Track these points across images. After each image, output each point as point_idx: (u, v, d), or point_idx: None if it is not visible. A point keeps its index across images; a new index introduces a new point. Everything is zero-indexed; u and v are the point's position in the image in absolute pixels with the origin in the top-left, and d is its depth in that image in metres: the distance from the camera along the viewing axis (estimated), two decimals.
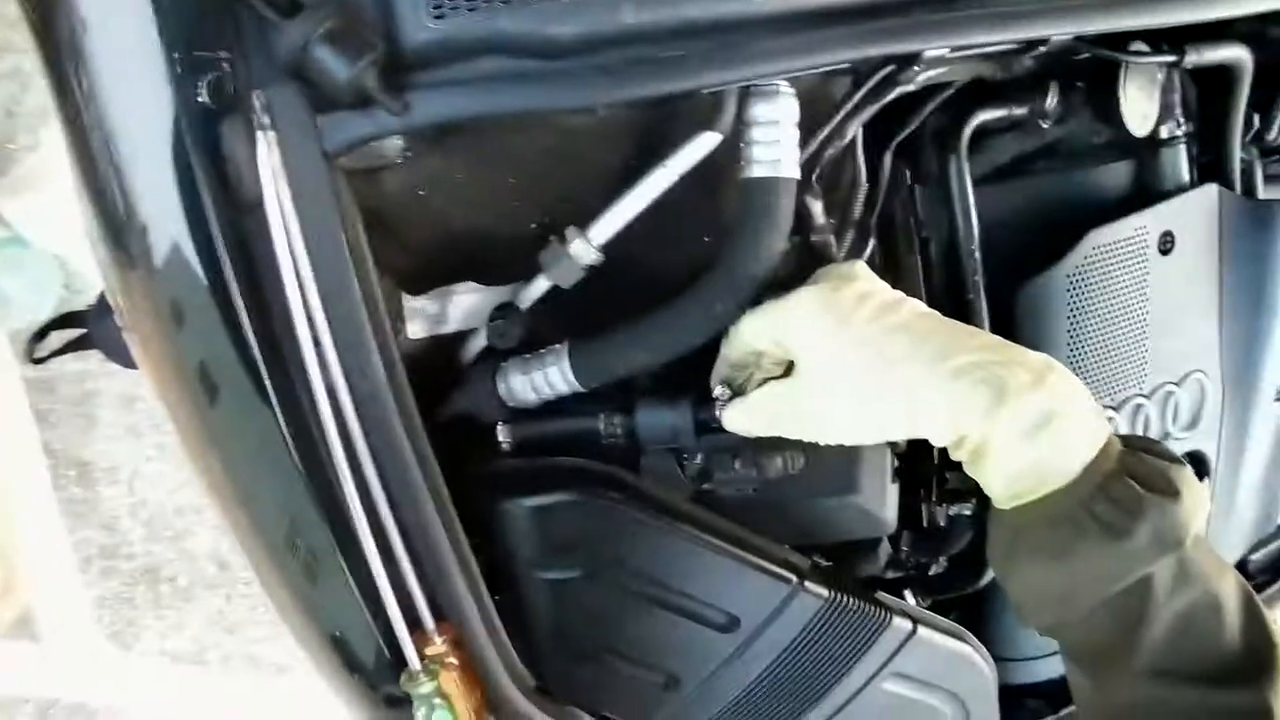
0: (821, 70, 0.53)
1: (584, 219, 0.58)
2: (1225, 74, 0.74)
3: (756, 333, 0.56)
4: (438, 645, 0.55)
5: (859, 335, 0.52)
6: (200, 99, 0.47)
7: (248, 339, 0.50)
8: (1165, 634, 0.49)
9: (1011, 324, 0.74)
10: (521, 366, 0.61)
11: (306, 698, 1.74)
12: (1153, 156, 0.76)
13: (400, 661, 0.55)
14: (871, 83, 0.61)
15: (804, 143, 0.58)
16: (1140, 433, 0.77)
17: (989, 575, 0.78)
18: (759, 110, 0.55)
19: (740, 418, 0.58)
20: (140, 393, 1.69)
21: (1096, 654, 0.52)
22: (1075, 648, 0.54)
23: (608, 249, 0.58)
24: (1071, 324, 0.73)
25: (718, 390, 0.60)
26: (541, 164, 0.59)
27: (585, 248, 0.57)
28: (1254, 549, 0.91)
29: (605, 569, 0.60)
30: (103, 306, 1.03)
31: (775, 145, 0.55)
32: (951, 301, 0.73)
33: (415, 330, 0.60)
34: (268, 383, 0.50)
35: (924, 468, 0.76)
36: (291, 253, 0.48)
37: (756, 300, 0.57)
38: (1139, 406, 0.77)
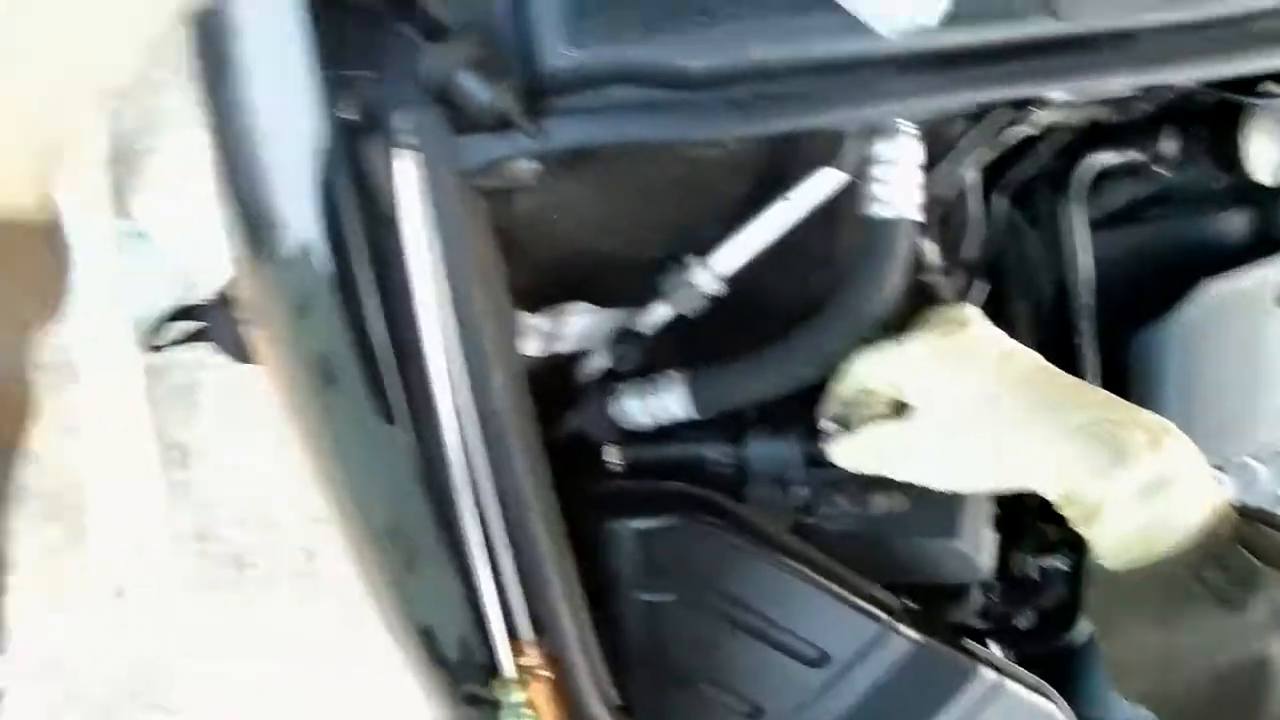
0: (944, 112, 0.54)
1: (703, 248, 0.59)
2: None
3: (871, 372, 0.56)
4: (532, 657, 0.56)
5: (976, 385, 0.52)
6: (345, 115, 0.49)
7: (374, 342, 0.52)
8: None
9: (1121, 373, 0.72)
10: (637, 390, 0.62)
11: (379, 691, 1.78)
12: (1275, 205, 0.74)
13: (492, 666, 0.56)
14: (990, 125, 0.61)
15: (923, 183, 0.57)
16: (1247, 494, 0.74)
17: (1078, 632, 0.76)
18: (883, 150, 0.55)
19: (849, 454, 0.58)
20: (245, 384, 1.77)
21: None
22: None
23: (727, 279, 0.59)
24: (1182, 376, 0.71)
25: (826, 426, 0.60)
26: (667, 192, 0.60)
27: (708, 277, 0.58)
28: None
29: (702, 594, 0.61)
30: (219, 303, 1.08)
31: (897, 186, 0.55)
32: (1060, 348, 0.71)
33: (529, 348, 0.61)
34: (391, 385, 0.52)
35: (1020, 517, 0.74)
36: (425, 267, 0.50)
37: (869, 338, 0.57)
38: (1248, 466, 0.74)
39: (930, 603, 0.69)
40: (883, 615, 0.61)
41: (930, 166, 0.60)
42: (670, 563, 0.61)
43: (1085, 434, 0.50)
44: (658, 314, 0.62)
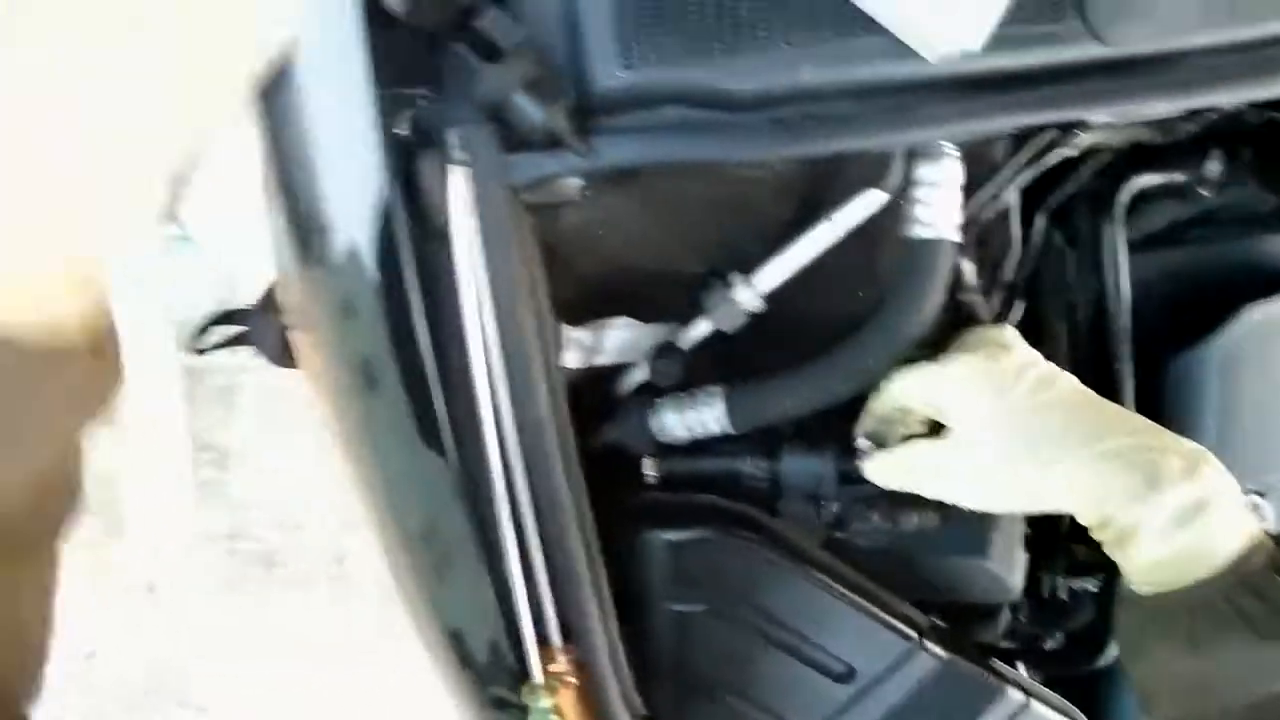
0: (988, 134, 0.54)
1: (746, 266, 0.60)
2: None
3: (908, 391, 0.56)
4: (561, 664, 0.56)
5: (1015, 408, 0.53)
6: (400, 132, 0.51)
7: (419, 347, 0.53)
8: None
9: (1158, 396, 0.72)
10: (675, 404, 0.63)
11: (404, 695, 1.79)
12: None
13: (520, 671, 0.57)
14: (1033, 146, 0.61)
15: (964, 203, 0.58)
16: None
17: (1106, 656, 0.76)
18: (925, 171, 0.55)
19: (883, 470, 0.58)
20: (284, 388, 1.80)
21: None
22: None
23: (768, 297, 0.60)
24: (1222, 401, 0.71)
25: (861, 443, 0.61)
26: (712, 210, 0.61)
27: (750, 295, 0.59)
28: None
29: (732, 607, 0.62)
30: (261, 307, 1.10)
31: (939, 207, 0.55)
32: (1097, 369, 0.71)
33: (570, 360, 0.62)
34: (436, 398, 0.53)
35: (1051, 537, 0.74)
36: (472, 277, 0.51)
37: (906, 357, 0.58)
38: None
39: (960, 622, 0.69)
40: (911, 633, 0.61)
41: (972, 187, 0.61)
42: (701, 574, 0.62)
43: (1121, 458, 0.50)
44: (698, 330, 0.63)
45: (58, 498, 0.41)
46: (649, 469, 0.66)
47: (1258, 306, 0.69)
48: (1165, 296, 0.73)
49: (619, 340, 0.64)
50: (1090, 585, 0.74)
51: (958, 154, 0.56)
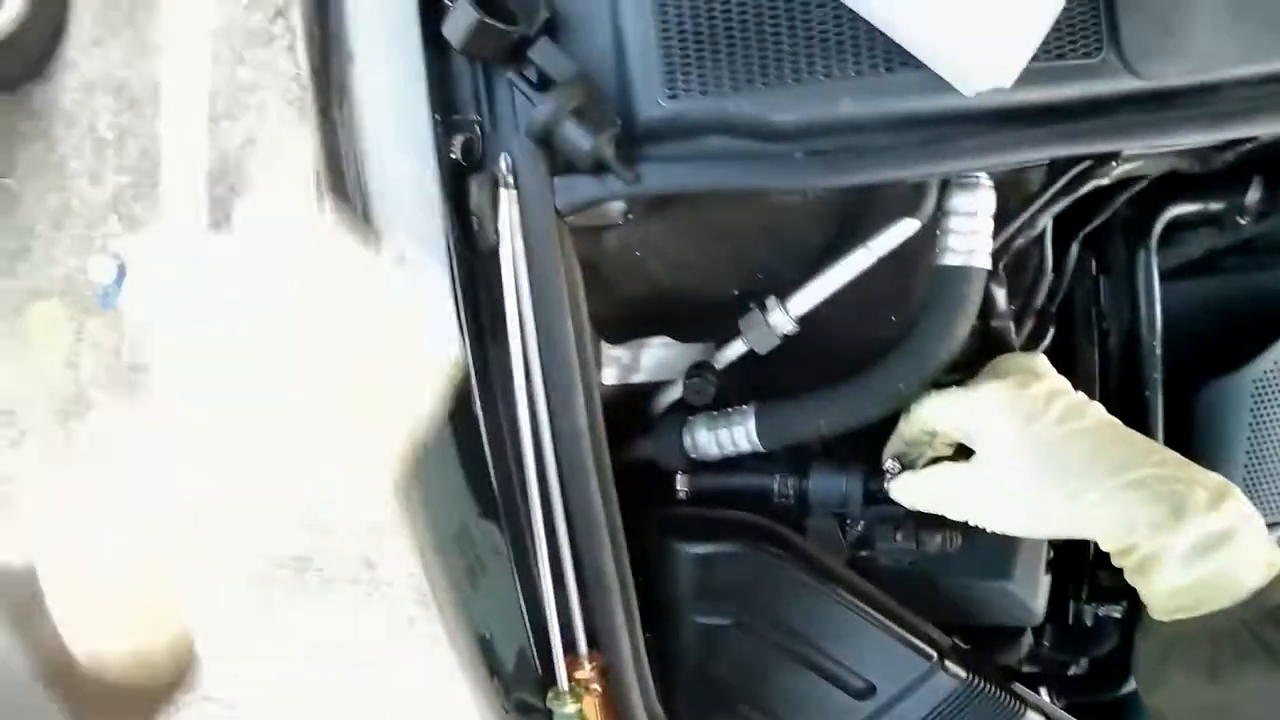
0: (1023, 165, 0.55)
1: (781, 289, 0.61)
2: None
3: (937, 415, 0.57)
4: (586, 671, 0.58)
5: (1044, 436, 0.53)
6: (453, 155, 0.53)
7: (465, 361, 0.54)
8: None
9: (1189, 424, 0.72)
10: (708, 422, 0.65)
11: (429, 699, 1.81)
12: None
13: (548, 677, 0.58)
14: (1067, 176, 0.62)
15: (996, 231, 0.59)
16: None
17: (1129, 684, 0.76)
18: (959, 201, 0.56)
19: (909, 491, 0.59)
20: None
21: None
22: None
23: (801, 320, 0.61)
24: (1254, 431, 0.71)
25: (889, 463, 0.62)
26: (749, 236, 0.62)
27: (784, 318, 0.60)
28: None
29: (757, 621, 0.63)
30: None
31: (971, 235, 0.56)
32: (1128, 397, 0.72)
33: (608, 376, 0.64)
34: (475, 403, 0.55)
35: (1077, 563, 0.74)
36: (516, 294, 0.53)
37: (935, 381, 0.58)
38: None
39: (982, 644, 0.69)
40: (932, 652, 0.61)
41: (1006, 215, 0.62)
42: (727, 588, 0.62)
43: (1146, 489, 0.51)
44: (733, 350, 0.64)
45: None
46: (680, 484, 0.67)
47: None
48: (1199, 325, 0.74)
49: (656, 359, 0.66)
50: (1115, 612, 0.74)
51: (991, 184, 0.57)
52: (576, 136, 0.49)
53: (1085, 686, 0.78)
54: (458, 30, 0.49)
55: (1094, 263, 0.74)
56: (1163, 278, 0.71)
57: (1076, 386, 0.58)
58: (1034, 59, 0.48)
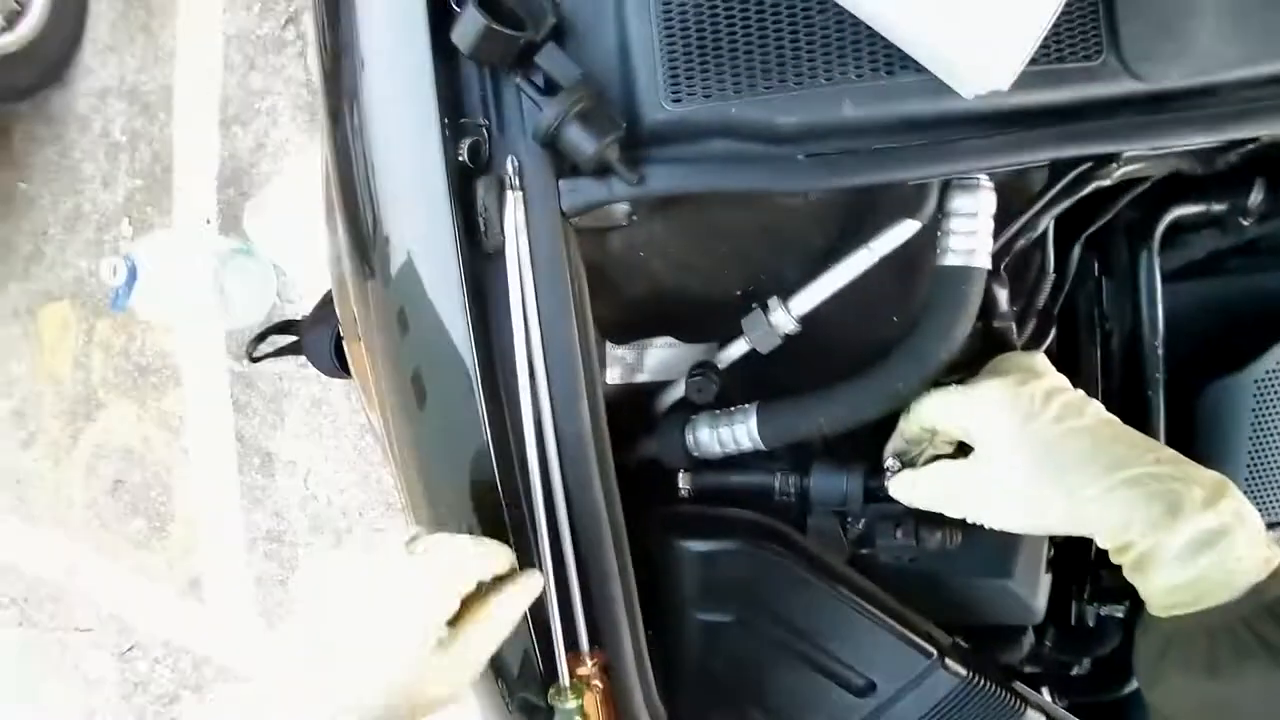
0: (1023, 167, 0.55)
1: (783, 290, 0.62)
2: None
3: (937, 413, 0.58)
4: (588, 667, 0.58)
5: (1042, 433, 0.54)
6: (460, 158, 0.54)
7: (469, 361, 0.55)
8: None
9: (1190, 425, 0.72)
10: (710, 421, 0.65)
11: None
12: None
13: (550, 675, 0.58)
14: (1069, 178, 0.62)
15: (997, 232, 0.60)
16: None
17: (1131, 684, 0.76)
18: (959, 202, 0.57)
19: (908, 489, 0.60)
20: (328, 398, 1.85)
21: None
22: None
23: (803, 320, 0.62)
24: (1255, 430, 0.71)
25: (889, 461, 0.62)
26: (751, 237, 0.63)
27: (786, 318, 0.61)
28: None
29: (758, 618, 0.63)
30: (313, 319, 1.15)
31: (971, 236, 0.57)
32: (1130, 397, 0.72)
33: (612, 376, 0.64)
34: (480, 402, 0.55)
35: (1079, 562, 0.74)
36: (522, 295, 0.54)
37: (935, 380, 0.59)
38: None
39: (983, 643, 0.70)
40: (931, 650, 0.62)
41: (1008, 216, 0.62)
42: (729, 585, 0.63)
43: (1143, 486, 0.51)
44: (735, 350, 0.65)
45: None
46: (683, 482, 0.68)
47: None
48: (1201, 326, 0.74)
49: (659, 359, 0.66)
50: (1117, 612, 0.74)
51: (991, 185, 0.57)
52: (581, 139, 0.50)
53: (1087, 686, 0.78)
54: (466, 36, 0.50)
55: (1096, 264, 0.74)
56: (1165, 279, 0.71)
57: (1078, 387, 0.58)
58: (1034, 62, 0.48)
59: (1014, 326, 0.67)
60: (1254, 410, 0.70)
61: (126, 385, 2.03)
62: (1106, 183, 0.63)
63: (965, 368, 0.61)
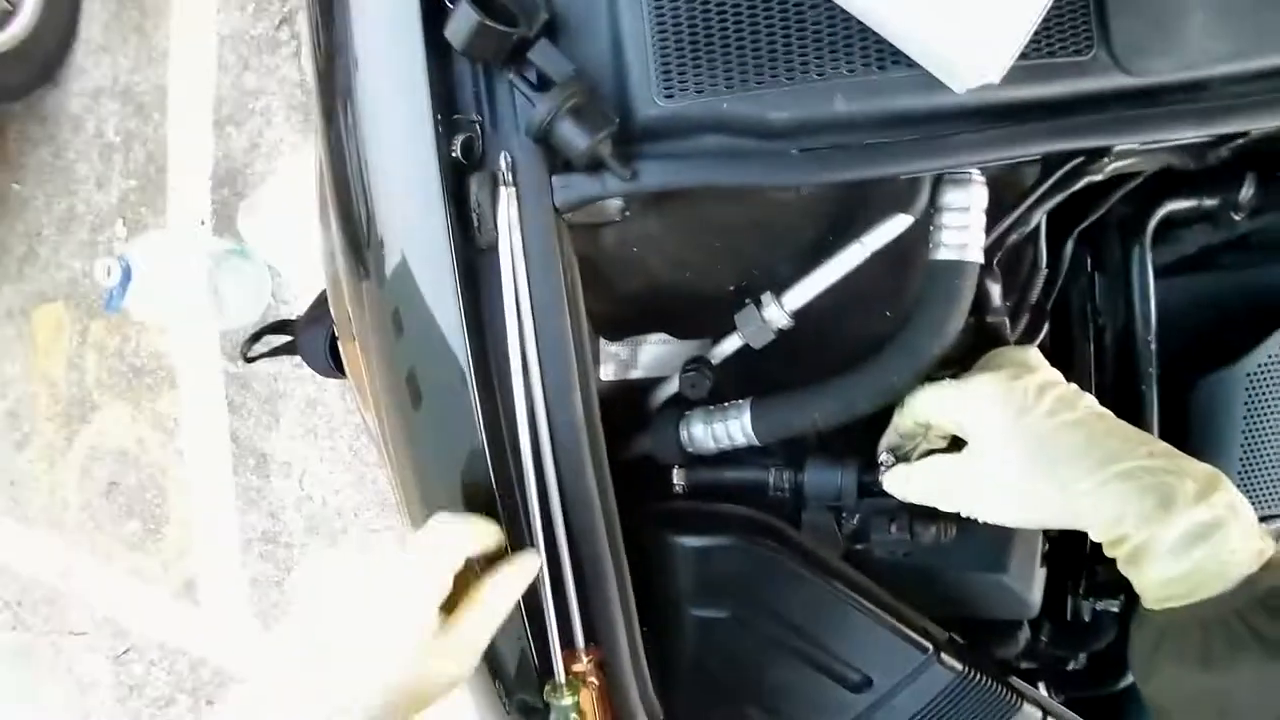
0: (1014, 161, 0.55)
1: (777, 285, 0.62)
2: None
3: (930, 407, 0.58)
4: (584, 664, 0.58)
5: (1035, 427, 0.54)
6: (454, 154, 0.54)
7: (462, 357, 0.55)
8: None
9: (1184, 418, 0.72)
10: (704, 417, 0.65)
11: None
12: None
13: (545, 673, 0.58)
14: (1060, 172, 0.62)
15: (990, 227, 0.60)
16: None
17: (1128, 678, 0.76)
18: (951, 196, 0.57)
19: (902, 483, 0.60)
20: (322, 398, 1.85)
21: None
22: None
23: (796, 315, 0.62)
24: (1248, 423, 0.71)
25: (883, 456, 0.62)
26: (744, 232, 0.63)
27: (779, 313, 0.61)
28: None
29: (753, 614, 0.63)
30: (308, 319, 1.15)
31: (963, 230, 0.57)
32: (1123, 392, 0.72)
33: (606, 373, 0.64)
34: (473, 399, 0.55)
35: (1074, 557, 0.75)
36: (515, 291, 0.54)
37: (929, 375, 0.59)
38: None
39: (979, 639, 0.70)
40: (927, 644, 0.62)
41: (1000, 211, 0.62)
42: (724, 581, 0.63)
43: (1135, 480, 0.51)
44: (728, 345, 0.65)
45: None
46: (677, 478, 0.68)
47: None
48: (1193, 321, 0.74)
49: (653, 355, 0.66)
50: (1113, 606, 0.74)
51: (983, 179, 0.57)
52: (574, 135, 0.50)
53: (1083, 681, 0.78)
54: (459, 32, 0.50)
55: (1089, 259, 0.74)
56: (1157, 274, 0.71)
57: (1072, 381, 0.58)
58: (1025, 56, 0.48)
59: (1007, 321, 0.67)
60: (1246, 404, 0.70)
61: (121, 386, 2.03)
62: (1098, 178, 0.63)
63: (959, 363, 0.61)
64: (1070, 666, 0.78)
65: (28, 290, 2.12)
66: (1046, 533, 0.68)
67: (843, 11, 0.50)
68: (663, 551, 0.64)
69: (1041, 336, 0.72)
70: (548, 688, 0.57)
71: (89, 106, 2.02)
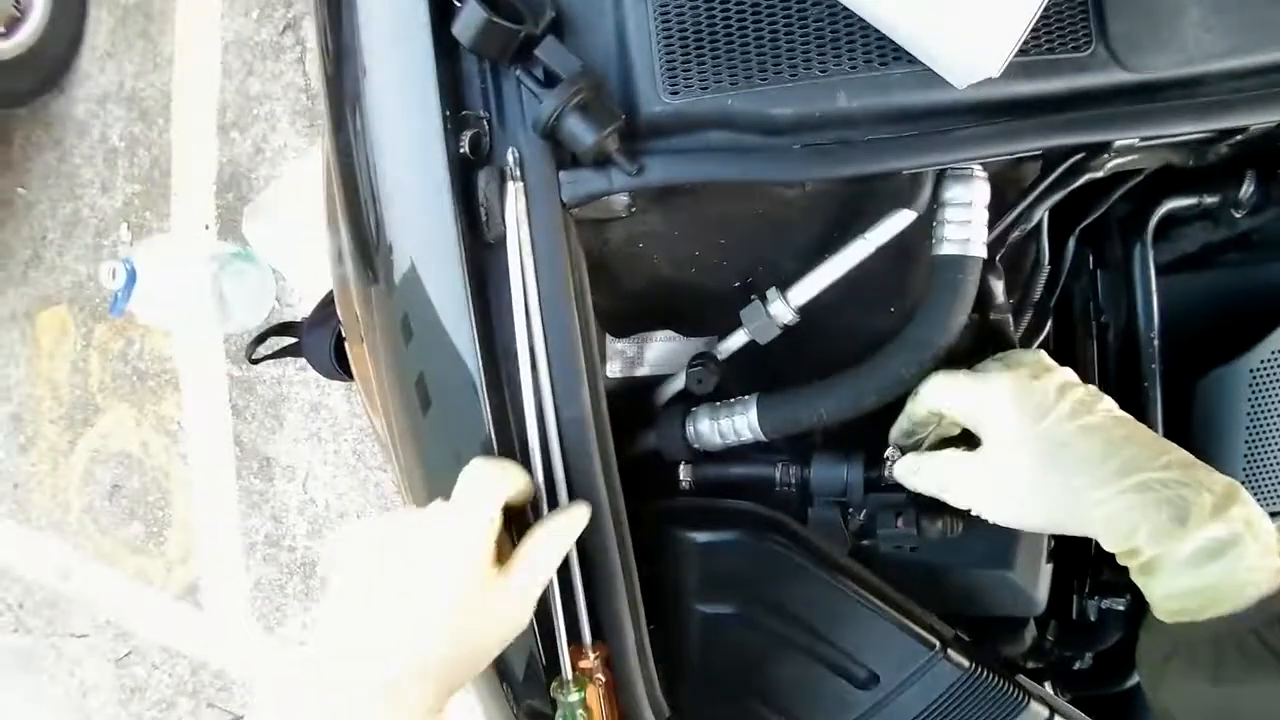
0: (1017, 156, 0.56)
1: (781, 280, 0.62)
2: None
3: (946, 397, 0.57)
4: (590, 660, 0.58)
5: (1055, 430, 0.53)
6: (462, 150, 0.54)
7: (470, 352, 0.55)
8: None
9: (1187, 415, 0.72)
10: (710, 413, 0.66)
11: None
12: None
13: (552, 669, 0.58)
14: (1061, 169, 0.62)
15: (992, 224, 0.60)
16: None
17: (1134, 678, 0.75)
18: (954, 192, 0.57)
19: (911, 474, 0.59)
20: (326, 402, 1.85)
21: None
22: None
23: (801, 310, 0.62)
24: (1252, 420, 0.71)
25: (890, 452, 0.62)
26: (749, 228, 0.63)
27: (784, 309, 0.61)
28: None
29: (759, 610, 0.63)
30: (313, 321, 1.15)
31: (966, 225, 0.57)
32: (1126, 389, 0.72)
33: (612, 369, 0.64)
34: (481, 394, 0.55)
35: (1080, 555, 0.75)
36: (524, 286, 0.54)
37: (934, 370, 0.58)
38: None
39: (985, 637, 0.69)
40: (934, 641, 0.62)
41: (1002, 208, 0.63)
42: (730, 576, 0.63)
43: (1152, 491, 0.50)
44: (734, 341, 0.65)
45: None
46: (683, 474, 0.68)
47: None
48: (1195, 318, 0.74)
49: (659, 353, 0.66)
50: (1119, 605, 0.74)
51: (985, 175, 0.58)
52: (581, 130, 0.51)
53: (1090, 680, 0.78)
54: (467, 29, 0.51)
55: (1091, 258, 0.74)
56: (1159, 272, 0.71)
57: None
58: (1024, 53, 0.49)
59: (1011, 318, 0.67)
60: (1249, 400, 0.70)
61: (125, 390, 2.04)
62: (1099, 175, 0.64)
63: (964, 361, 0.60)
64: (1076, 666, 0.78)
65: (32, 294, 2.13)
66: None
67: (845, 9, 0.50)
68: (669, 547, 0.64)
69: (1045, 334, 0.72)
70: (554, 684, 0.57)
71: (94, 112, 2.04)
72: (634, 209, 0.59)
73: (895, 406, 0.61)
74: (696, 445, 0.67)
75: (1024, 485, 0.53)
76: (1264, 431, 0.71)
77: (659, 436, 0.67)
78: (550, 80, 0.52)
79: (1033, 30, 0.48)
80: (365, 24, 0.55)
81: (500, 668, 0.61)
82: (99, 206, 2.05)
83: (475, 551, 0.49)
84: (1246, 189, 0.69)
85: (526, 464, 0.56)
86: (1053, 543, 0.69)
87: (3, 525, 2.21)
